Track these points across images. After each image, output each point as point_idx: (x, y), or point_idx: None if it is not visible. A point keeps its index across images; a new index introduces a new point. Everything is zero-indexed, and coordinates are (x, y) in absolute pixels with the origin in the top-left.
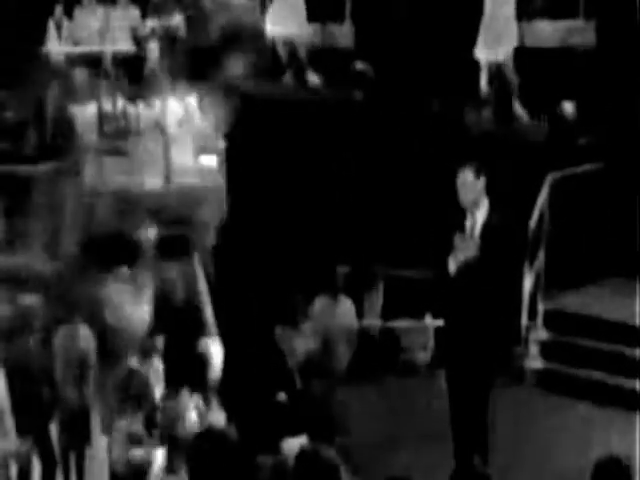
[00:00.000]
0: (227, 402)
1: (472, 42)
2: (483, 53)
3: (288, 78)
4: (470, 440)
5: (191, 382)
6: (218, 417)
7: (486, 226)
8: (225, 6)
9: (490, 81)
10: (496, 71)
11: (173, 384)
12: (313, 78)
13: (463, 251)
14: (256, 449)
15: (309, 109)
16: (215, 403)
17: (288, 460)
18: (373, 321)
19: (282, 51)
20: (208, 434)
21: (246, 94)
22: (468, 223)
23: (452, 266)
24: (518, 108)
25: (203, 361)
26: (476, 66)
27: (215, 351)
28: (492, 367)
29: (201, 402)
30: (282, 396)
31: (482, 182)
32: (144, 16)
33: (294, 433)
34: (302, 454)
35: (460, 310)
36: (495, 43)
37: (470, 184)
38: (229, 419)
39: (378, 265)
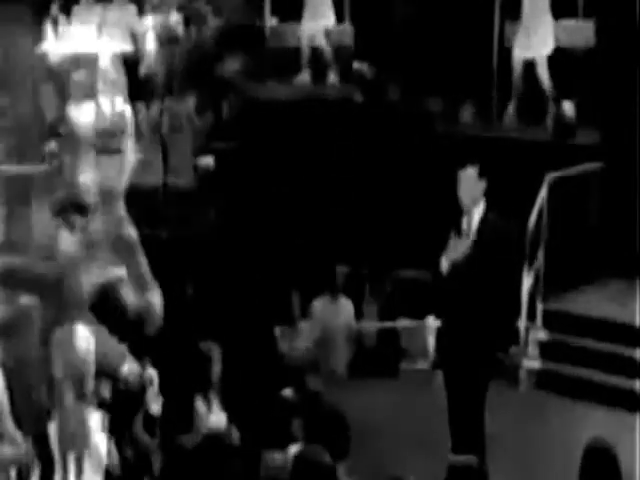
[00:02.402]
0: (228, 402)
1: (471, 42)
2: (521, 52)
3: (304, 77)
4: (468, 440)
5: (193, 382)
6: (219, 418)
7: (482, 224)
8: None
9: (522, 80)
10: (527, 70)
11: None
12: (333, 78)
13: (455, 250)
14: (260, 448)
15: (306, 108)
16: (216, 404)
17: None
18: (372, 322)
19: (307, 47)
20: (211, 437)
21: (245, 94)
22: (464, 221)
23: (445, 265)
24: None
25: (205, 360)
26: (474, 66)
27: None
28: (489, 367)
29: (202, 403)
30: (288, 392)
31: (483, 184)
32: (141, 15)
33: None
34: (300, 457)
35: (457, 310)
36: (533, 42)
37: (472, 183)
38: (230, 420)
39: (378, 265)
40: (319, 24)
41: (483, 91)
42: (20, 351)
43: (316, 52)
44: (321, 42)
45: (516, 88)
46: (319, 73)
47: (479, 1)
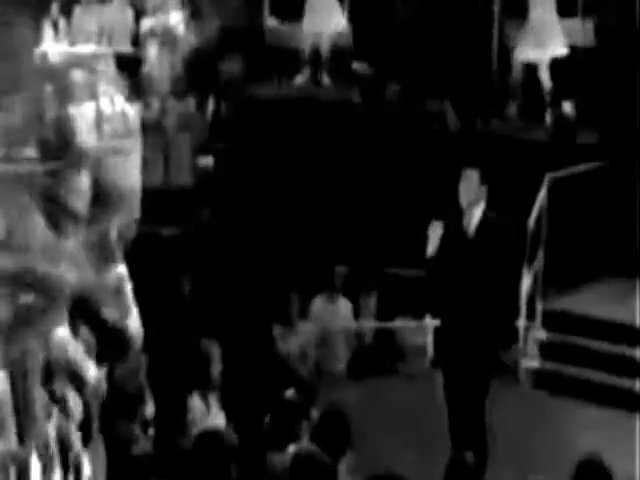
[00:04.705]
0: (226, 403)
1: (470, 42)
2: (528, 53)
3: (302, 79)
4: (468, 440)
5: (192, 381)
6: (218, 418)
7: (482, 224)
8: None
9: (523, 82)
10: (529, 72)
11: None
12: (326, 80)
13: (435, 234)
14: (263, 449)
15: (306, 109)
16: (215, 404)
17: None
18: (369, 322)
19: (308, 50)
20: (208, 436)
21: (245, 94)
22: (464, 220)
23: (431, 250)
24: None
25: (205, 359)
26: (474, 67)
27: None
28: (488, 367)
29: (201, 402)
30: (291, 393)
31: (485, 189)
32: (142, 15)
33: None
34: (299, 455)
35: (456, 309)
36: (541, 43)
37: (474, 187)
38: (228, 420)
39: (376, 265)
40: (326, 28)
41: (482, 91)
42: (22, 351)
43: (315, 54)
44: (324, 45)
45: (515, 88)
46: (316, 75)
47: (478, 0)
